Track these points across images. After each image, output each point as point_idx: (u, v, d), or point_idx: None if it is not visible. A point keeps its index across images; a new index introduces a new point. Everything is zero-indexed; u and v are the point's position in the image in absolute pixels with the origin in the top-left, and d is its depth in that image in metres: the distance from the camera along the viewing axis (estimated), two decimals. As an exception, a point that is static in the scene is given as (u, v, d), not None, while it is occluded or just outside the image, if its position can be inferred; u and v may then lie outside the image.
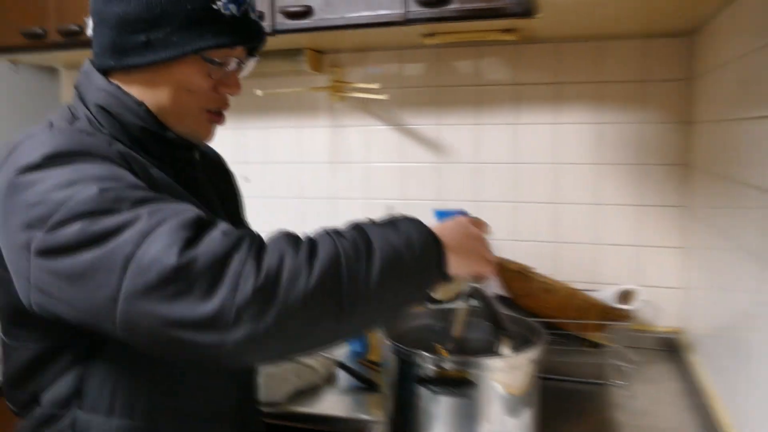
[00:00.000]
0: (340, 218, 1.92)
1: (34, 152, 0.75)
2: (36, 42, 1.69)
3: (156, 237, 0.69)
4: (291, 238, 0.75)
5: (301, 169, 1.94)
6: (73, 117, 0.89)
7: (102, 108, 0.88)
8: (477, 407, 0.97)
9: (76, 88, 0.93)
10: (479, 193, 1.79)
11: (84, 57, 0.97)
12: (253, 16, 0.93)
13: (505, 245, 1.77)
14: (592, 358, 1.42)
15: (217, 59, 0.90)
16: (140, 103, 0.89)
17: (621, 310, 1.40)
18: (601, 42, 1.65)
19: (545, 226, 1.75)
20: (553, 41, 1.68)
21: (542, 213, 1.75)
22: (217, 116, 0.95)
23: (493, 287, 1.60)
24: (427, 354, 0.97)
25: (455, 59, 1.77)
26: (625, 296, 1.41)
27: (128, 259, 0.68)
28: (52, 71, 2.13)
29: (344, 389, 1.39)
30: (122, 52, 0.88)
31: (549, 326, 1.44)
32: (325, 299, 0.71)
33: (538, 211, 1.75)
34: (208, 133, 0.97)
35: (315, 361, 1.42)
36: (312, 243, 0.75)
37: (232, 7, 0.89)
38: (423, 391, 0.98)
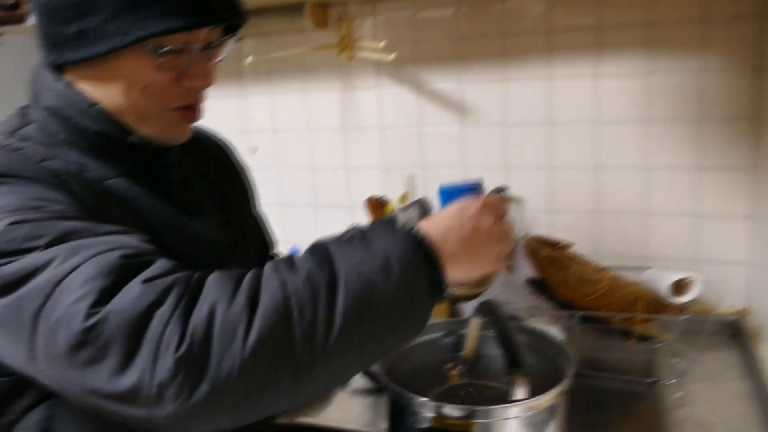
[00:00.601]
0: (354, 190, 1.82)
1: None
2: (11, 14, 1.55)
3: (67, 287, 0.58)
4: (228, 280, 0.60)
5: (311, 136, 1.76)
6: (24, 122, 0.77)
7: (53, 111, 0.76)
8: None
9: (31, 86, 0.79)
10: (509, 159, 1.57)
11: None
12: None
13: (540, 217, 1.57)
14: (639, 352, 1.23)
15: (171, 46, 0.72)
16: (93, 104, 0.76)
17: (674, 302, 1.19)
18: (651, -25, 1.38)
19: (586, 195, 1.53)
20: (592, -23, 1.42)
21: (582, 180, 1.52)
22: (188, 112, 0.80)
23: (524, 269, 1.42)
24: (424, 399, 0.80)
25: (478, 3, 1.52)
26: (680, 286, 1.20)
27: (37, 315, 0.58)
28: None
29: (358, 391, 1.25)
30: (57, 45, 0.74)
31: (589, 317, 1.26)
32: (273, 360, 0.57)
33: (577, 178, 1.53)
34: (180, 133, 0.83)
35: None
36: (253, 285, 0.59)
37: None
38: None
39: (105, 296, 0.57)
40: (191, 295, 0.58)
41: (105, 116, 0.76)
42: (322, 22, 1.61)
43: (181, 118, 0.80)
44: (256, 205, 1.11)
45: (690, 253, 1.46)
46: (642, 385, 1.21)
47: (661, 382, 1.22)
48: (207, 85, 0.79)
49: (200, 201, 0.89)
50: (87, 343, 0.56)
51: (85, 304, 0.56)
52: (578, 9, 1.45)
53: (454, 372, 0.90)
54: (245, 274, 0.61)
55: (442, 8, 1.56)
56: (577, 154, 1.52)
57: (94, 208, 0.70)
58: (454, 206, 0.76)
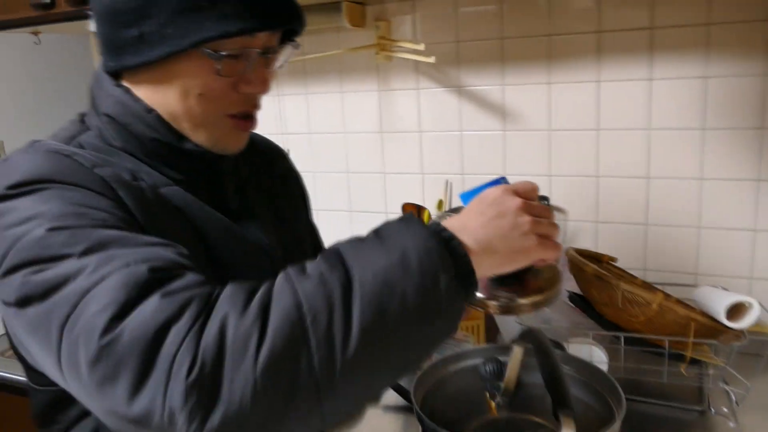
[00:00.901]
0: (391, 195, 1.77)
1: (1, 181, 0.66)
2: (46, 13, 1.54)
3: (93, 297, 0.56)
4: (240, 292, 0.57)
5: (347, 139, 1.71)
6: (82, 129, 0.78)
7: (111, 117, 0.76)
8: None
9: (90, 93, 0.79)
10: (553, 166, 1.50)
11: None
12: None
13: (586, 227, 1.50)
14: (690, 378, 1.16)
15: (228, 51, 0.71)
16: (150, 110, 0.75)
17: (730, 328, 1.11)
18: (711, -27, 1.29)
19: (634, 205, 1.45)
20: (647, -25, 1.34)
21: (631, 189, 1.44)
22: (243, 121, 0.78)
23: (567, 284, 1.35)
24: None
25: (523, 3, 1.45)
26: (737, 309, 1.12)
27: (63, 325, 0.57)
28: (84, 37, 1.98)
29: (389, 408, 1.21)
30: (118, 50, 0.73)
31: (637, 340, 1.18)
32: (290, 375, 0.53)
33: (624, 188, 1.45)
34: (235, 143, 0.80)
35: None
36: (265, 296, 0.56)
37: None
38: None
39: (126, 309, 0.54)
40: (208, 312, 0.55)
41: (161, 123, 0.75)
42: (359, 21, 1.56)
43: (236, 126, 0.78)
44: (310, 213, 1.10)
45: (744, 270, 1.38)
46: (692, 413, 1.14)
47: (713, 411, 1.14)
48: (263, 91, 0.77)
49: (255, 208, 0.88)
50: (102, 360, 0.54)
51: (105, 317, 0.54)
52: (630, 8, 1.36)
53: (494, 403, 0.84)
54: (259, 286, 0.58)
55: (484, 4, 1.49)
56: (625, 163, 1.44)
57: (143, 216, 0.69)
58: (474, 199, 0.70)
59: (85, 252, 0.59)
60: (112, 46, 0.74)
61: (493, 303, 0.71)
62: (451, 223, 0.64)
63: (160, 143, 0.76)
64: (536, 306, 0.72)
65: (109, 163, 0.72)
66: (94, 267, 0.58)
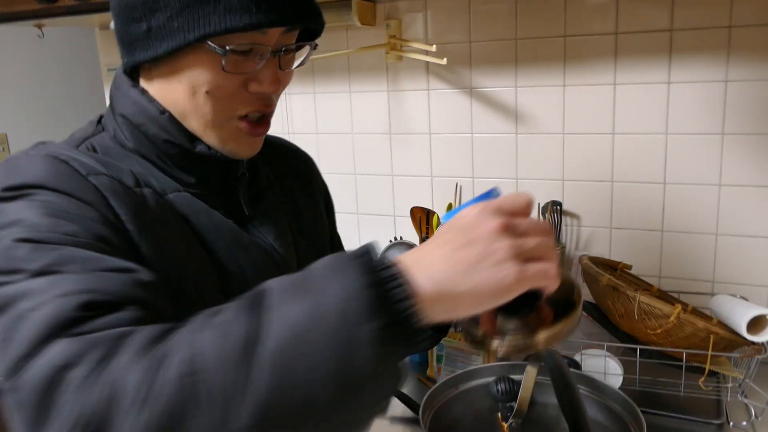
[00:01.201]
0: (399, 198, 1.73)
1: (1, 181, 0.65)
2: (50, 6, 1.50)
3: (19, 329, 0.53)
4: (146, 336, 0.51)
5: (355, 140, 1.68)
6: (98, 130, 0.77)
7: (126, 118, 0.74)
8: None
9: (110, 94, 0.78)
10: (566, 171, 1.46)
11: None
12: None
13: (600, 233, 1.46)
14: (708, 391, 1.13)
15: (236, 46, 0.68)
16: (164, 111, 0.73)
17: (751, 341, 1.08)
18: (733, -27, 1.25)
19: (650, 211, 1.41)
20: (667, -25, 1.30)
21: (646, 194, 1.41)
22: (255, 125, 0.75)
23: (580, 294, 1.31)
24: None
25: (537, 2, 1.41)
26: (758, 322, 1.09)
27: None
28: (89, 31, 1.95)
29: (396, 419, 1.17)
30: (130, 45, 0.72)
31: (653, 352, 1.15)
32: None
33: (641, 193, 1.41)
34: (247, 147, 0.77)
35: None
36: (168, 341, 0.50)
37: None
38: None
39: (36, 349, 0.51)
40: (110, 357, 0.49)
41: (174, 124, 0.73)
42: (369, 20, 1.52)
43: (248, 130, 0.75)
44: (335, 227, 1.06)
45: (763, 279, 1.34)
46: (710, 426, 1.11)
47: (731, 425, 1.11)
48: (274, 92, 0.73)
49: (273, 217, 0.84)
50: (9, 398, 0.51)
51: (16, 355, 0.52)
52: (649, 8, 1.33)
53: (506, 425, 0.81)
54: (175, 327, 0.52)
55: (498, 2, 1.45)
56: (641, 168, 1.40)
57: (138, 225, 0.66)
58: (444, 225, 0.57)
59: (38, 273, 0.56)
60: (125, 41, 0.72)
61: (496, 342, 0.60)
62: (405, 258, 0.53)
63: (172, 145, 0.74)
64: (550, 342, 0.60)
65: (113, 168, 0.70)
66: (36, 293, 0.55)
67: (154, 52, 0.69)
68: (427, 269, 0.51)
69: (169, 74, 0.71)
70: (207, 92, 0.70)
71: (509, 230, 0.53)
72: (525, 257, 0.53)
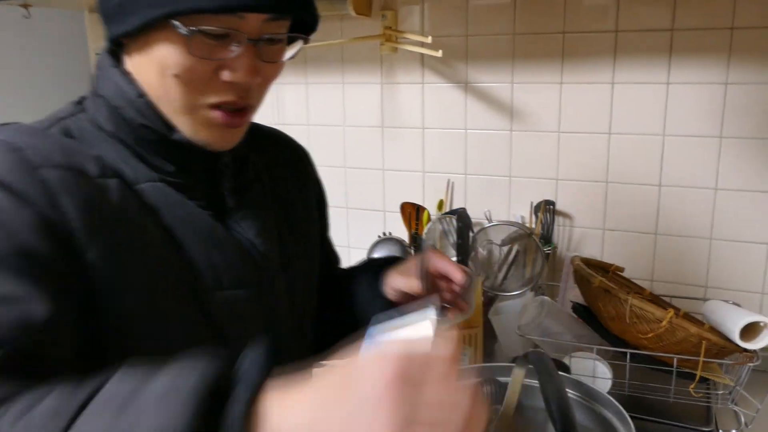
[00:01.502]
0: (390, 192, 1.70)
1: None
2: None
3: None
4: None
5: (346, 133, 1.64)
6: (77, 110, 0.72)
7: (105, 100, 0.70)
8: None
9: (94, 73, 0.74)
10: (561, 170, 1.44)
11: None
12: None
13: (592, 234, 1.44)
14: (698, 398, 1.10)
15: (204, 27, 0.62)
16: (142, 95, 0.68)
17: (743, 348, 1.05)
18: (736, -27, 1.23)
19: (644, 213, 1.39)
20: (669, -27, 1.27)
21: (641, 196, 1.39)
22: (229, 115, 0.69)
23: (570, 294, 1.29)
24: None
25: (537, -2, 1.39)
26: (750, 329, 1.06)
27: None
28: (78, 14, 1.90)
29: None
30: (107, 19, 0.67)
31: (644, 356, 1.13)
32: None
33: (635, 194, 1.39)
34: (221, 138, 0.71)
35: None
36: None
37: None
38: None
39: None
40: None
41: (151, 109, 0.68)
42: (365, 10, 1.49)
43: (222, 120, 0.68)
44: (327, 227, 0.99)
45: (757, 285, 1.33)
46: (700, 434, 1.09)
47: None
48: (248, 82, 0.67)
49: (257, 211, 0.78)
50: None
51: None
52: (650, 7, 1.30)
53: (490, 429, 0.78)
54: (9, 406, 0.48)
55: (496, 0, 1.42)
56: (637, 169, 1.38)
57: (94, 220, 0.62)
58: (329, 375, 0.44)
59: None
60: (104, 16, 0.68)
61: None
62: (272, 403, 0.43)
63: (150, 131, 0.69)
64: None
65: (78, 155, 0.65)
66: None
67: (125, 27, 0.64)
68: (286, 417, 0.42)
69: (142, 52, 0.67)
70: (175, 75, 0.65)
71: (411, 400, 0.40)
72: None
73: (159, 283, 0.67)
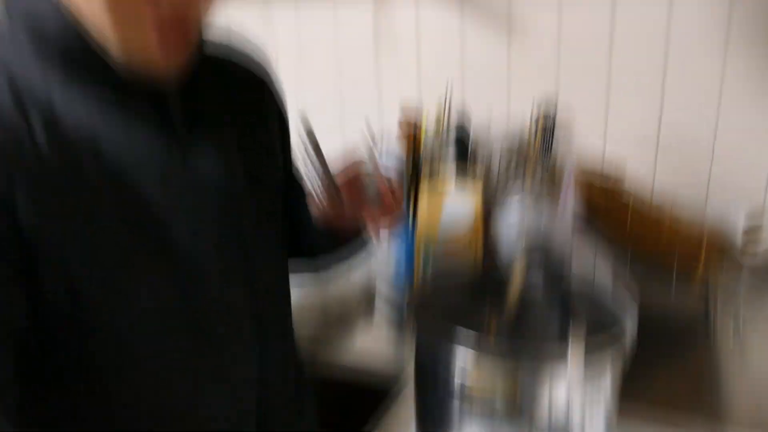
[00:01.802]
0: (387, 121, 1.66)
1: None
2: None
3: None
4: None
5: (339, 53, 1.61)
6: None
7: (23, 20, 0.57)
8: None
9: None
10: (559, 90, 1.41)
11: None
12: None
13: (589, 144, 1.43)
14: (698, 299, 1.12)
15: None
16: (60, 9, 0.56)
17: (744, 248, 1.06)
18: None
19: (644, 121, 1.37)
20: None
21: (641, 112, 1.37)
22: (168, 29, 0.57)
23: (572, 203, 1.28)
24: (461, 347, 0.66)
25: None
26: (752, 230, 1.07)
27: None
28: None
29: (382, 322, 1.18)
30: None
31: (645, 259, 1.13)
32: None
33: (635, 110, 1.37)
34: (159, 58, 0.58)
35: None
36: None
37: None
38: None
39: None
40: None
41: (74, 24, 0.57)
42: None
43: (160, 36, 0.57)
44: (289, 158, 0.87)
45: (760, 183, 1.31)
46: (698, 334, 1.11)
47: (719, 333, 1.11)
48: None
49: (214, 140, 0.69)
50: None
51: None
52: None
53: (492, 323, 0.77)
54: None
55: None
56: (639, 79, 1.35)
57: (11, 186, 0.52)
58: None
59: None
60: None
61: None
62: None
63: (81, 52, 0.57)
64: None
65: (12, 78, 0.55)
66: None
67: None
68: None
69: None
70: None
71: None
72: None
73: (106, 232, 0.57)
